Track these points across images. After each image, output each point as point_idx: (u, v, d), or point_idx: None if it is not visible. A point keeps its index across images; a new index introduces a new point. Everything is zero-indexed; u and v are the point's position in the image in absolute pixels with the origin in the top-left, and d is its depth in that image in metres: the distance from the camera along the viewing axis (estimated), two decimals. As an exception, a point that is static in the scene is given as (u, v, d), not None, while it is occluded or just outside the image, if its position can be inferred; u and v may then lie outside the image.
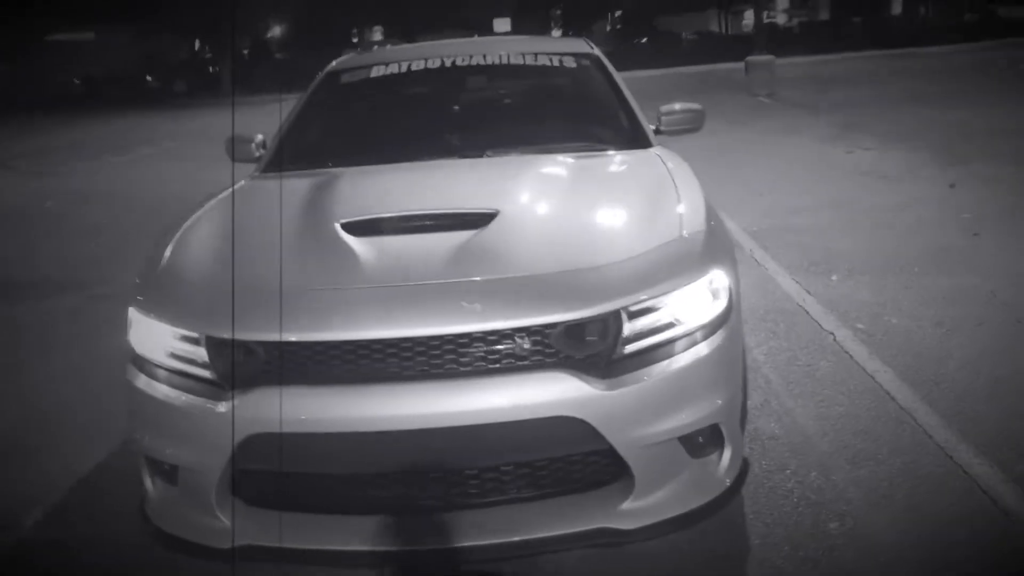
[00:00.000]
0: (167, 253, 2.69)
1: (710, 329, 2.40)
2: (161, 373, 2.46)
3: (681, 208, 2.72)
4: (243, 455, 2.30)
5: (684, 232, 2.55)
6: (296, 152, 3.66)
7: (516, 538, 2.28)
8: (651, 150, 3.45)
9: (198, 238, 2.78)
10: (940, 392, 3.59)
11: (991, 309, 4.52)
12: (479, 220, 2.59)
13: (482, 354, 2.25)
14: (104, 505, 3.14)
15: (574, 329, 2.27)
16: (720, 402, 2.39)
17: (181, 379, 2.42)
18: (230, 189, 3.20)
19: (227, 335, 2.32)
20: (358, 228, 2.63)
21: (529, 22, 44.95)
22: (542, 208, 2.78)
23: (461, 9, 44.14)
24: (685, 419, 2.33)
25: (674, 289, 2.36)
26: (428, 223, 2.66)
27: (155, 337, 2.47)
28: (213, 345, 2.36)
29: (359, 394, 2.25)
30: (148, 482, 2.57)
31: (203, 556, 2.43)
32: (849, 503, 2.84)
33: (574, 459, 2.36)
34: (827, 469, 3.06)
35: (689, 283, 2.38)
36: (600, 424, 2.23)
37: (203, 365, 2.39)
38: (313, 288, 2.38)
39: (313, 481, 2.40)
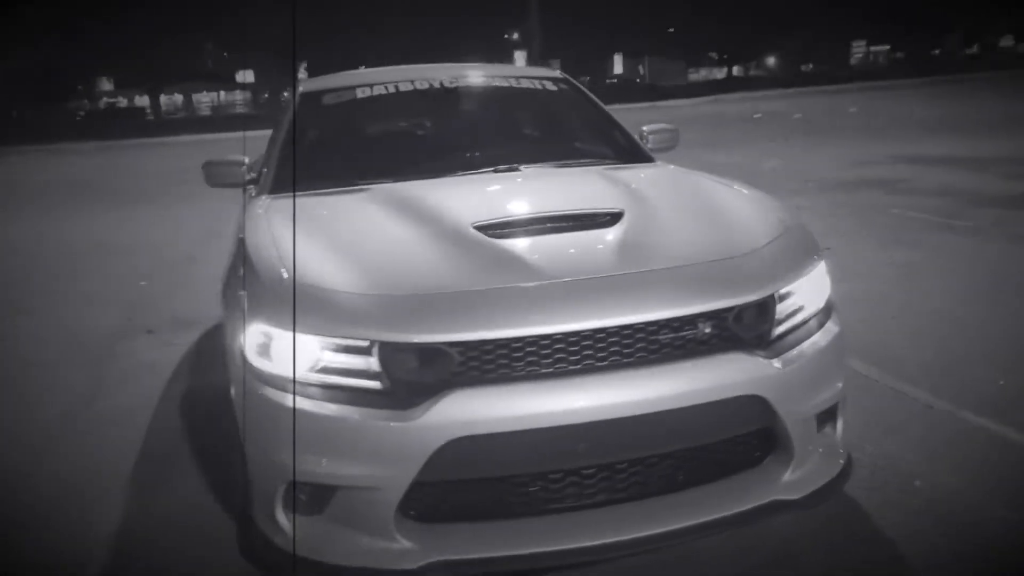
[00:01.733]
0: (282, 268, 2.48)
1: (828, 311, 2.63)
2: (313, 390, 2.29)
3: (764, 204, 2.95)
4: (435, 465, 2.19)
5: (789, 223, 2.77)
6: (309, 171, 3.49)
7: (693, 522, 2.34)
8: (663, 164, 3.67)
9: (312, 250, 2.60)
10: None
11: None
12: (608, 218, 2.66)
13: (668, 340, 2.31)
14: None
15: (746, 312, 2.40)
16: (842, 381, 2.61)
17: (347, 393, 2.27)
18: (257, 206, 3.06)
19: (415, 340, 2.22)
20: (493, 230, 2.61)
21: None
22: (655, 206, 2.87)
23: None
24: (826, 394, 2.52)
25: (805, 274, 2.56)
26: (560, 223, 2.69)
27: (305, 352, 2.30)
28: (389, 352, 2.24)
29: (559, 388, 2.23)
30: (279, 512, 2.35)
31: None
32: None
33: (738, 439, 2.47)
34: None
35: (813, 269, 2.59)
36: (775, 400, 2.36)
37: (373, 375, 2.26)
38: (492, 287, 2.34)
39: (492, 487, 2.33)
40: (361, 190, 3.23)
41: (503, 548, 2.26)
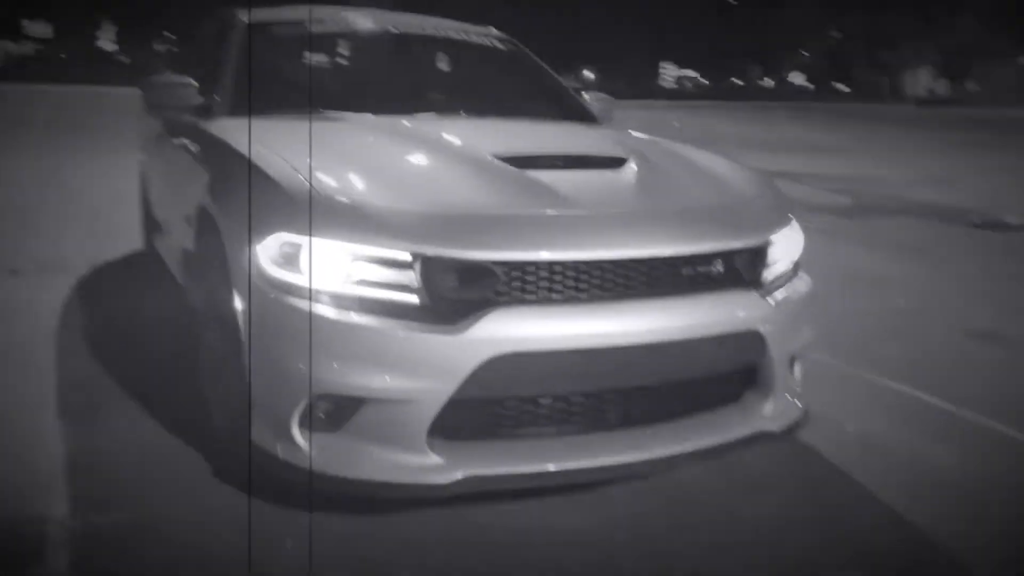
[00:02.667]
0: (304, 178, 2.41)
1: (798, 265, 2.89)
2: (347, 302, 2.25)
3: (734, 163, 3.17)
4: (475, 381, 2.23)
5: (766, 180, 3.01)
6: (264, 98, 3.38)
7: (695, 447, 2.51)
8: (618, 127, 3.84)
9: (333, 166, 2.54)
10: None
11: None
12: (614, 162, 2.79)
13: (689, 275, 2.47)
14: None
15: (751, 253, 2.60)
16: (813, 328, 2.86)
17: (385, 306, 2.25)
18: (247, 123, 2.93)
19: (464, 256, 2.24)
20: (514, 161, 2.65)
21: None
22: (647, 157, 2.97)
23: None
24: (803, 337, 2.76)
25: (788, 225, 2.79)
26: (572, 162, 2.78)
27: (339, 264, 2.26)
28: (433, 268, 2.24)
29: (594, 313, 2.32)
30: (296, 430, 2.30)
31: (410, 495, 2.28)
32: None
33: (726, 375, 2.66)
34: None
35: (791, 221, 2.83)
36: (769, 337, 2.57)
37: (413, 290, 2.25)
38: (537, 212, 2.40)
39: (519, 405, 2.38)
40: (337, 119, 3.18)
41: (528, 465, 2.32)
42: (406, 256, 2.25)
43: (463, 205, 2.40)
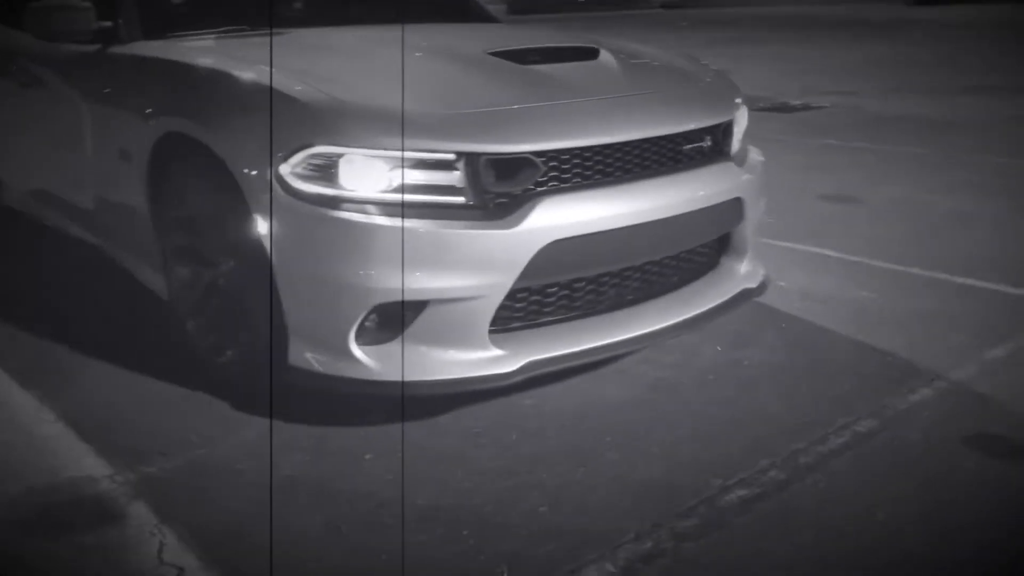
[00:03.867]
0: (323, 88, 2.36)
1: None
2: (394, 209, 2.24)
3: (677, 52, 3.36)
4: (531, 270, 2.32)
5: (712, 68, 3.23)
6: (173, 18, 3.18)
7: (697, 312, 2.74)
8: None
9: (349, 73, 2.52)
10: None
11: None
12: (592, 51, 2.89)
13: (686, 151, 2.66)
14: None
15: (722, 129, 2.82)
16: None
17: (434, 209, 2.26)
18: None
19: (506, 150, 2.29)
20: (509, 57, 2.70)
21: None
22: (610, 47, 3.07)
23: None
24: (761, 206, 3.05)
25: (741, 102, 3.04)
26: (558, 54, 2.85)
27: (379, 172, 2.24)
28: (475, 165, 2.28)
29: (623, 195, 2.46)
30: (353, 344, 2.29)
31: (475, 388, 2.36)
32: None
33: (707, 245, 2.90)
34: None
35: (743, 103, 3.08)
36: (747, 202, 2.84)
37: (458, 191, 2.28)
38: (555, 101, 2.48)
39: (563, 289, 2.50)
40: (286, 32, 3.04)
41: (574, 344, 2.46)
42: (450, 156, 2.26)
43: (493, 101, 2.44)
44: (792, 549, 1.94)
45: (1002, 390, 2.65)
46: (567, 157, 2.39)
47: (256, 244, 2.36)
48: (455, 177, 2.28)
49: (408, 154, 2.25)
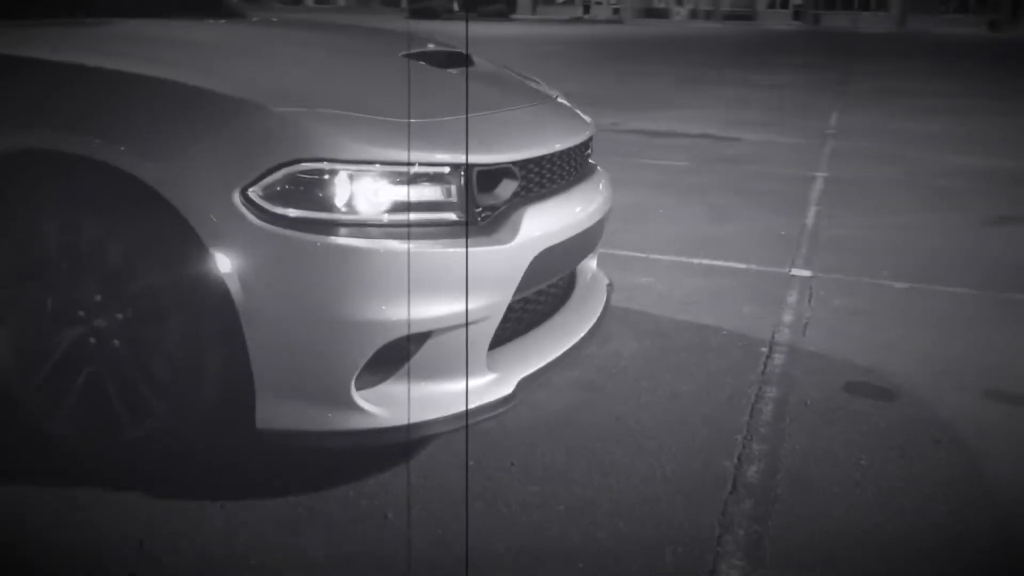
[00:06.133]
0: (290, 97, 2.00)
1: None
2: (385, 231, 1.99)
3: None
4: (523, 284, 2.23)
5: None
6: None
7: (600, 312, 2.83)
8: None
9: (297, 75, 2.09)
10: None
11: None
12: (466, 57, 2.79)
13: (585, 159, 2.73)
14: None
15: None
16: None
17: (428, 228, 2.05)
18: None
19: (493, 160, 2.17)
20: (421, 59, 2.53)
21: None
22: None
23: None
24: None
25: None
26: (445, 60, 2.68)
27: (375, 187, 1.97)
28: (466, 177, 2.11)
29: (566, 204, 2.45)
30: (354, 391, 2.01)
31: (486, 416, 2.19)
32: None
33: None
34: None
35: None
36: (609, 212, 2.99)
37: (450, 206, 2.09)
38: (516, 110, 2.38)
39: (530, 300, 2.42)
40: (98, 24, 2.46)
41: (547, 353, 2.41)
42: (444, 169, 2.07)
43: (458, 109, 2.26)
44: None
45: (823, 345, 3.16)
46: (534, 166, 2.33)
47: (196, 284, 1.93)
48: (447, 191, 2.10)
49: (402, 168, 2.01)
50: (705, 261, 4.21)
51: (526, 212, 2.24)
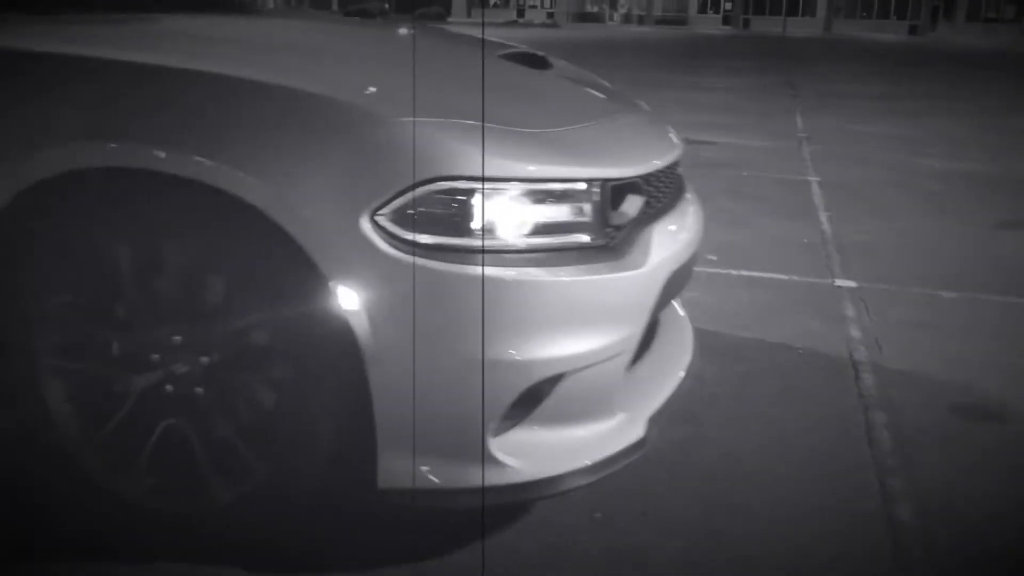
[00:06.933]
0: (429, 106, 1.71)
1: None
2: (526, 254, 1.73)
3: None
4: (653, 312, 1.99)
5: None
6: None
7: None
8: None
9: (424, 84, 1.79)
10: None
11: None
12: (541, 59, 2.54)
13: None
14: None
15: None
16: None
17: (564, 254, 1.78)
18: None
19: (622, 174, 1.90)
20: (518, 61, 2.27)
21: None
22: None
23: None
24: None
25: None
26: (534, 59, 2.42)
27: (510, 207, 1.70)
28: (596, 194, 1.85)
29: (677, 222, 2.21)
30: (493, 441, 1.74)
31: (621, 464, 1.91)
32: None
33: None
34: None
35: None
36: None
37: (585, 226, 1.83)
38: (630, 117, 2.12)
39: None
40: (148, 19, 2.13)
41: (664, 385, 2.17)
42: (581, 185, 1.82)
43: (579, 116, 2.02)
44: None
45: (904, 363, 3.00)
46: (654, 180, 2.08)
47: (312, 321, 1.65)
48: (580, 210, 1.84)
49: (543, 185, 1.75)
50: (744, 272, 4.02)
51: (653, 232, 2.00)
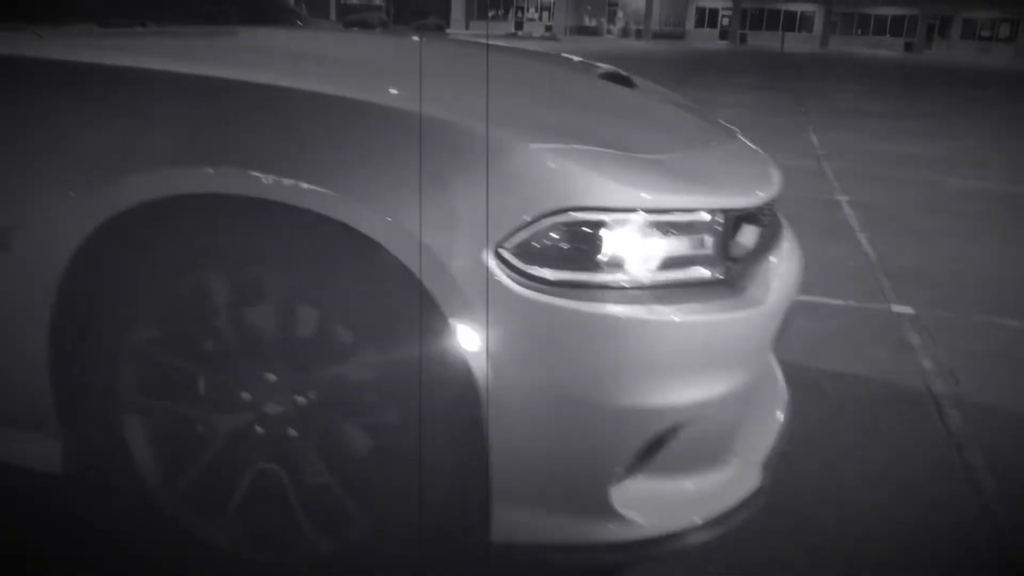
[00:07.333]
0: (550, 131, 1.60)
1: None
2: (650, 291, 1.60)
3: None
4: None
5: None
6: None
7: None
8: None
9: (537, 103, 1.68)
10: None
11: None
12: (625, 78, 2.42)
13: None
14: None
15: None
16: None
17: (687, 288, 1.66)
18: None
19: (745, 203, 1.77)
20: (618, 81, 2.13)
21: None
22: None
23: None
24: None
25: None
26: (621, 79, 2.30)
27: (636, 240, 1.58)
28: (719, 225, 1.73)
29: (784, 255, 2.09)
30: (614, 495, 1.61)
31: (740, 520, 1.78)
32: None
33: None
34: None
35: None
36: None
37: (708, 259, 1.70)
38: (737, 142, 1.99)
39: None
40: (223, 32, 2.00)
41: (770, 427, 2.04)
42: (704, 215, 1.69)
43: (695, 142, 1.90)
44: None
45: (985, 396, 2.88)
46: (766, 211, 1.96)
47: (427, 362, 1.52)
48: (701, 242, 1.71)
49: (668, 216, 1.62)
50: (800, 297, 3.89)
51: (768, 265, 1.87)
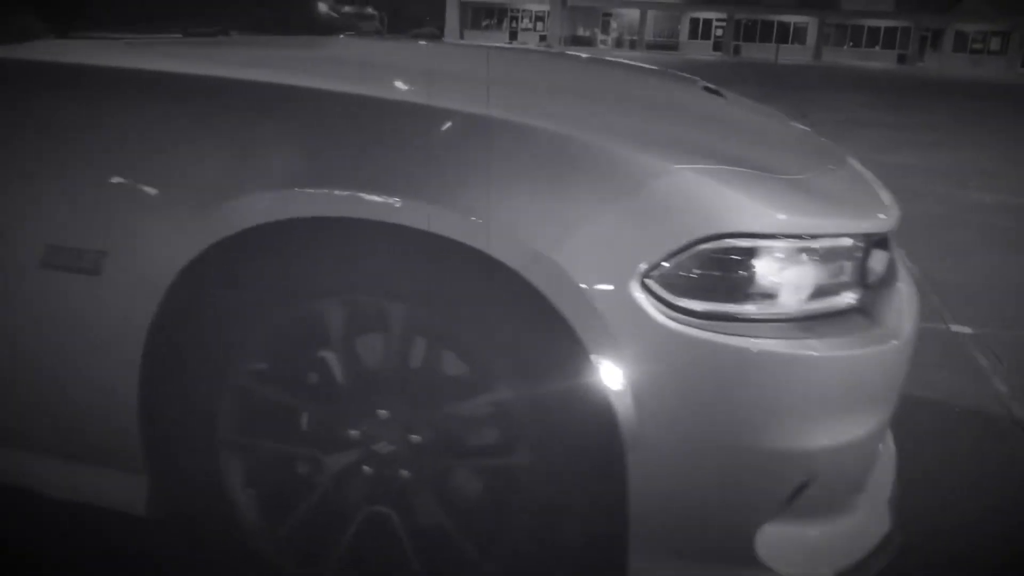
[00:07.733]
0: (689, 152, 1.50)
1: None
2: (795, 324, 1.49)
3: None
4: None
5: None
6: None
7: None
8: None
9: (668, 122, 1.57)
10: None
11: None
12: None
13: None
14: None
15: None
16: None
17: (830, 320, 1.55)
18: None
19: (879, 228, 1.66)
20: (717, 93, 2.02)
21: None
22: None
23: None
24: None
25: None
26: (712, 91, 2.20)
27: (784, 268, 1.47)
28: (858, 251, 1.62)
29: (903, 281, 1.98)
30: (761, 542, 1.50)
31: (879, 568, 1.67)
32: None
33: None
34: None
35: None
36: None
37: (849, 286, 1.59)
38: (832, 163, 1.88)
39: None
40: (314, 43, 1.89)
41: (887, 465, 1.92)
42: (846, 241, 1.58)
43: (820, 160, 1.79)
44: None
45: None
46: (891, 236, 1.85)
47: (566, 399, 1.40)
48: (841, 269, 1.60)
49: (816, 243, 1.51)
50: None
51: (898, 293, 1.76)
